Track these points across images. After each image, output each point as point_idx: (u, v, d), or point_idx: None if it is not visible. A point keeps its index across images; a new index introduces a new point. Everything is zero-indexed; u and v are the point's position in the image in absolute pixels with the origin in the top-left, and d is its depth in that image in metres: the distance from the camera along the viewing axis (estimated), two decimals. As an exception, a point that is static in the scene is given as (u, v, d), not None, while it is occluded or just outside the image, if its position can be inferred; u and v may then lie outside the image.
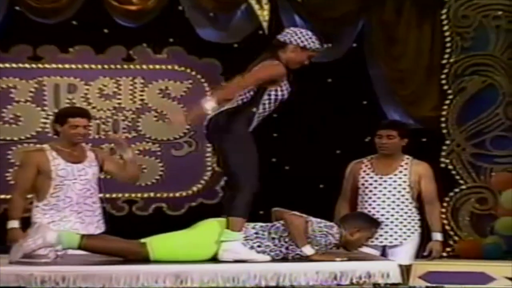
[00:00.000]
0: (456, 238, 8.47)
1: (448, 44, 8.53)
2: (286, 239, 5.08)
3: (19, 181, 5.98)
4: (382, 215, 6.06)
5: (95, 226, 5.93)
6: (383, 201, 6.11)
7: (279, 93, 5.20)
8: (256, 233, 5.10)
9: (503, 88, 8.49)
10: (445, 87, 8.55)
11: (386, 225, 6.07)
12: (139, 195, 9.37)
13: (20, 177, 5.99)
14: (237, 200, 5.11)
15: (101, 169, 6.02)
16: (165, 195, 9.30)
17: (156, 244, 5.00)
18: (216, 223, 5.15)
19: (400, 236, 6.14)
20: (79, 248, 5.00)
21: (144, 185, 9.35)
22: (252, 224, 5.15)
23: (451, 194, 8.50)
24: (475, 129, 8.51)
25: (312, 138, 8.80)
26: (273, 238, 5.10)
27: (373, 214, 5.96)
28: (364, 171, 6.26)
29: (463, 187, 8.52)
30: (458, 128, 8.54)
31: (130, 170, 6.02)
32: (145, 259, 4.94)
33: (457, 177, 8.53)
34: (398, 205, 6.11)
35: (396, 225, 6.12)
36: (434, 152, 8.50)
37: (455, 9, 8.50)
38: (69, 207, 5.84)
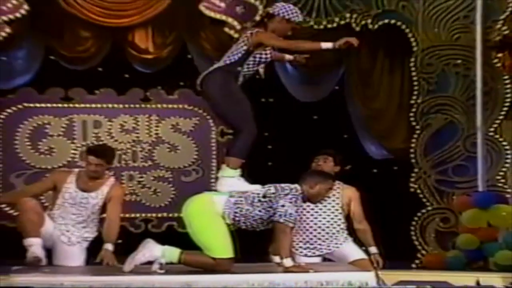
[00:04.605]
0: (423, 252, 8.38)
1: (416, 87, 8.47)
2: (264, 204, 4.91)
3: (36, 185, 6.10)
4: (323, 235, 5.94)
5: (84, 246, 5.86)
6: (322, 224, 5.92)
7: (263, 56, 5.21)
8: (236, 201, 4.95)
9: (462, 125, 8.45)
10: (413, 123, 8.51)
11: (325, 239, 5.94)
12: (154, 215, 9.34)
13: (38, 183, 6.15)
14: (236, 142, 5.15)
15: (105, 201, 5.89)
16: (176, 215, 9.21)
17: (219, 253, 4.88)
18: (200, 200, 5.09)
19: (341, 240, 5.98)
20: (179, 261, 4.90)
21: (158, 206, 9.35)
22: (232, 193, 5.00)
23: (419, 214, 8.41)
24: (439, 159, 8.45)
25: (299, 168, 8.76)
26: (252, 203, 4.94)
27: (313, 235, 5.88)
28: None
29: (429, 208, 8.44)
30: (425, 158, 8.46)
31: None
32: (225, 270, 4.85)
33: (424, 200, 8.44)
34: (332, 224, 5.94)
35: (333, 234, 5.95)
36: (404, 178, 8.48)
37: (421, 58, 8.45)
38: (69, 223, 5.76)
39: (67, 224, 5.77)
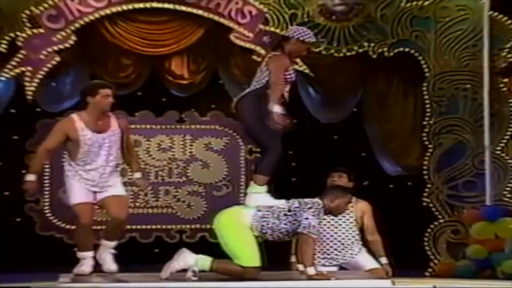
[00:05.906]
0: (436, 261, 8.32)
1: (428, 110, 8.45)
2: (289, 217, 4.87)
3: (47, 141, 5.37)
4: (339, 246, 5.83)
5: (117, 188, 5.44)
6: (338, 236, 5.79)
7: (287, 76, 5.12)
8: (263, 215, 4.90)
9: (471, 144, 8.40)
10: (426, 142, 8.47)
11: (343, 247, 5.83)
12: (188, 226, 9.36)
13: (49, 139, 5.38)
14: (264, 160, 5.09)
15: (122, 136, 5.44)
16: (208, 226, 9.21)
17: (247, 262, 4.84)
18: (230, 213, 5.03)
19: (356, 251, 5.84)
20: (210, 269, 4.86)
21: (192, 219, 9.37)
22: (259, 207, 4.95)
23: (432, 226, 8.36)
24: (450, 175, 8.38)
25: (321, 183, 8.71)
26: (278, 216, 4.90)
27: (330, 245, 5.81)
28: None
29: (441, 221, 8.38)
30: (437, 174, 8.40)
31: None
32: (253, 278, 4.78)
33: (436, 213, 8.38)
34: (347, 236, 5.81)
35: (348, 245, 5.83)
36: (418, 193, 8.43)
37: (433, 83, 8.43)
38: (95, 169, 5.34)
39: (100, 166, 5.34)
